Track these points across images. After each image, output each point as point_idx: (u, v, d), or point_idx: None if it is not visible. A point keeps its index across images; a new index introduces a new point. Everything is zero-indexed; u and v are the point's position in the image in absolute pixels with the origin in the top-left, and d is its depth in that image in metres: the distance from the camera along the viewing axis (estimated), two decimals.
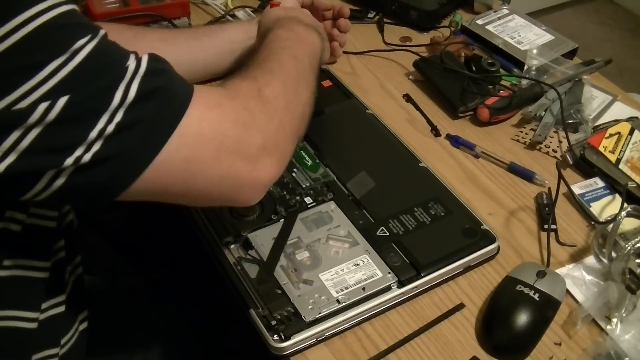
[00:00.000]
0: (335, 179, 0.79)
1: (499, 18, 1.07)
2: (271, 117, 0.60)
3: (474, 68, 0.96)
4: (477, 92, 0.92)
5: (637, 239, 0.67)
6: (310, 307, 0.65)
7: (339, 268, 0.69)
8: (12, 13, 0.45)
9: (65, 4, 0.48)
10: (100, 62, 0.49)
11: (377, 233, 0.72)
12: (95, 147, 0.48)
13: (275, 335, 0.63)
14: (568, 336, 0.67)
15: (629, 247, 0.67)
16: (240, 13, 1.07)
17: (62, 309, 0.65)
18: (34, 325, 0.62)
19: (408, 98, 0.95)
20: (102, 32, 0.50)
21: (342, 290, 0.67)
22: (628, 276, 0.67)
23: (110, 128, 0.48)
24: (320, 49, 0.75)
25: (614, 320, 0.66)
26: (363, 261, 0.70)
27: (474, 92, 0.92)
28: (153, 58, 0.53)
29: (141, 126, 0.50)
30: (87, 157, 0.48)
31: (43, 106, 0.46)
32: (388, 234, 0.72)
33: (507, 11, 1.09)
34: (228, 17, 1.06)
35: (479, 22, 1.06)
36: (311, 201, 0.76)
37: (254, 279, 0.68)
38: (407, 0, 1.07)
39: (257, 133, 0.58)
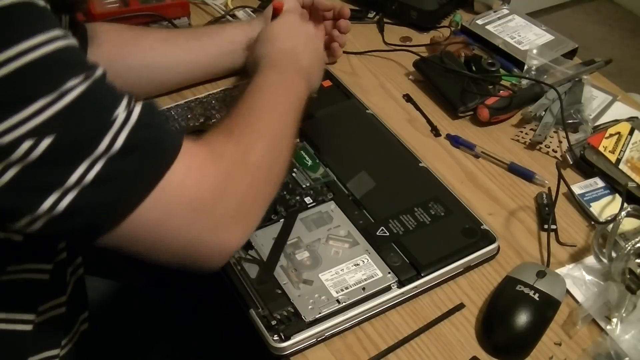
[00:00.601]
0: (335, 179, 0.79)
1: (499, 18, 1.07)
2: (250, 186, 0.59)
3: (474, 68, 0.96)
4: (477, 92, 0.92)
5: (637, 239, 0.67)
6: (310, 307, 0.65)
7: (339, 268, 0.69)
8: (8, 44, 0.44)
9: (63, 38, 0.47)
10: (90, 105, 0.47)
11: (377, 233, 0.72)
12: (71, 195, 0.47)
13: (275, 335, 0.63)
14: (568, 336, 0.67)
15: (629, 247, 0.67)
16: (240, 13, 1.07)
17: (62, 310, 0.65)
18: (29, 327, 0.61)
19: (408, 98, 0.95)
20: (98, 72, 0.49)
21: (342, 290, 0.67)
22: (628, 276, 0.67)
23: (90, 177, 0.47)
24: (306, 94, 0.73)
25: (614, 320, 0.66)
26: (363, 261, 0.70)
27: (474, 92, 0.92)
28: (147, 109, 0.51)
29: (120, 181, 0.49)
30: (62, 205, 0.47)
31: (27, 144, 0.45)
32: (388, 234, 0.72)
33: (507, 11, 1.09)
34: (228, 17, 1.06)
35: (479, 22, 1.06)
36: (311, 201, 0.76)
37: (254, 279, 0.68)
38: (407, 0, 1.07)
39: (232, 201, 0.56)
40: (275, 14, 0.84)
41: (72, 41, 0.48)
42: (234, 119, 0.63)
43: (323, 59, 0.82)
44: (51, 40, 0.46)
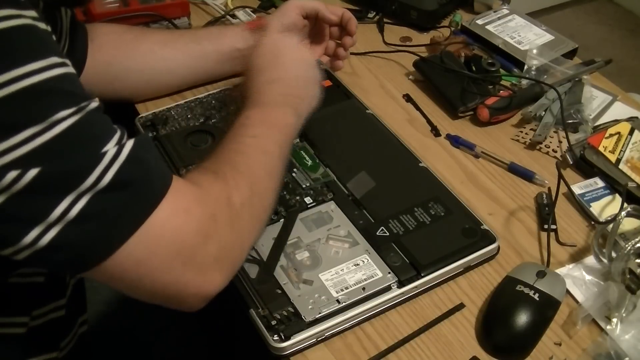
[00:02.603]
0: (335, 179, 0.79)
1: (499, 18, 1.07)
2: (232, 229, 0.58)
3: (474, 68, 0.96)
4: (477, 92, 0.92)
5: (637, 239, 0.67)
6: (310, 307, 0.65)
7: (339, 268, 0.69)
8: (4, 68, 0.43)
9: (60, 66, 0.46)
10: (80, 138, 0.47)
11: (377, 233, 0.72)
12: (53, 231, 0.46)
13: (275, 335, 0.63)
14: (568, 336, 0.67)
15: (629, 247, 0.67)
16: (240, 13, 1.07)
17: (62, 312, 0.65)
18: (22, 330, 0.61)
19: (408, 98, 0.95)
20: (92, 105, 0.48)
21: (342, 290, 0.67)
22: (628, 276, 0.67)
23: (74, 212, 0.46)
24: (295, 125, 0.71)
25: (614, 320, 0.66)
26: (363, 261, 0.70)
27: (474, 92, 0.92)
28: (139, 145, 0.51)
29: (103, 219, 0.48)
30: (46, 239, 0.46)
31: (13, 174, 0.44)
32: (388, 234, 0.72)
33: (507, 11, 1.09)
34: (228, 17, 1.06)
35: (479, 22, 1.06)
36: (311, 201, 0.76)
37: (254, 279, 0.68)
38: (407, 0, 1.07)
39: (215, 244, 0.56)
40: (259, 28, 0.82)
41: (69, 70, 0.47)
42: (220, 157, 0.63)
43: (315, 78, 0.77)
44: (47, 68, 0.45)
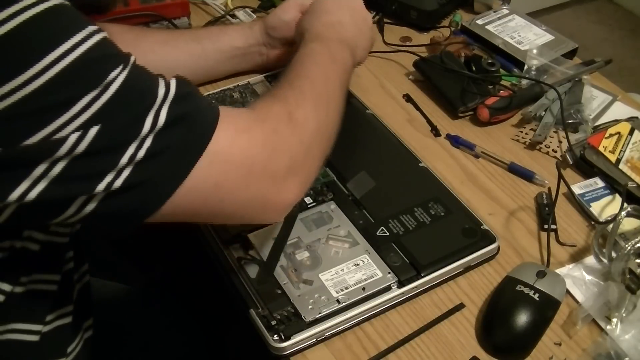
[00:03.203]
0: (335, 179, 0.79)
1: (499, 18, 1.07)
2: (300, 140, 0.60)
3: (474, 68, 0.96)
4: (477, 92, 0.92)
5: (637, 239, 0.67)
6: (310, 307, 0.65)
7: (339, 268, 0.69)
8: (50, 47, 0.45)
9: (98, 32, 0.48)
10: (132, 91, 0.49)
11: (377, 233, 0.72)
12: (126, 172, 0.48)
13: (275, 335, 0.63)
14: (568, 336, 0.67)
15: (629, 247, 0.67)
16: (240, 13, 1.07)
17: (69, 319, 0.65)
18: (36, 337, 0.62)
19: (408, 98, 0.95)
20: (132, 59, 0.50)
21: (342, 290, 0.67)
22: (628, 276, 0.67)
23: (141, 154, 0.49)
24: (351, 67, 0.75)
25: (614, 320, 0.66)
26: (363, 261, 0.70)
27: (474, 92, 0.92)
28: (181, 82, 0.53)
29: (170, 152, 0.50)
30: (118, 182, 0.48)
31: (74, 137, 0.46)
32: (388, 234, 0.72)
33: (507, 11, 1.09)
34: (228, 17, 1.06)
35: (479, 22, 1.06)
36: (311, 201, 0.76)
37: (254, 279, 0.68)
38: (407, 0, 1.07)
39: (285, 155, 0.58)
40: None
41: (104, 34, 0.49)
42: (278, 85, 0.66)
43: (371, 31, 0.82)
44: (88, 37, 0.47)
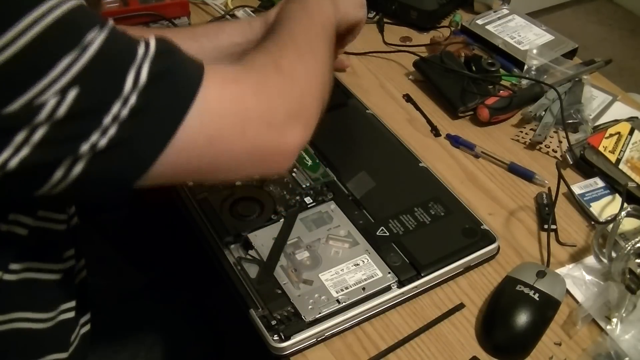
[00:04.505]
0: (335, 179, 0.79)
1: (499, 18, 1.07)
2: (291, 85, 0.59)
3: (474, 68, 0.96)
4: (477, 92, 0.92)
5: (637, 239, 0.67)
6: (310, 307, 0.65)
7: (339, 268, 0.69)
8: (20, 14, 0.44)
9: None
10: (111, 52, 0.48)
11: (377, 233, 0.72)
12: (111, 131, 0.47)
13: (275, 335, 0.63)
14: (568, 336, 0.67)
15: (629, 247, 0.67)
16: (240, 13, 1.07)
17: (72, 314, 0.65)
18: (45, 325, 0.61)
19: (408, 98, 0.95)
20: (110, 22, 0.50)
21: (342, 290, 0.67)
22: (628, 276, 0.67)
23: (124, 112, 0.48)
24: (333, 20, 0.72)
25: (614, 320, 0.66)
26: (363, 261, 0.70)
27: (474, 92, 0.92)
28: (161, 39, 0.52)
29: (155, 108, 0.49)
30: (103, 142, 0.47)
31: (54, 101, 0.45)
32: (388, 234, 0.72)
33: (507, 11, 1.09)
34: (228, 17, 1.06)
35: (479, 22, 1.06)
36: (311, 201, 0.76)
37: (254, 279, 0.68)
38: (407, 0, 1.07)
39: (279, 101, 0.57)
40: None
41: (81, 1, 0.49)
42: (261, 42, 0.65)
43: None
44: (62, 2, 0.46)
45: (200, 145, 0.52)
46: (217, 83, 0.53)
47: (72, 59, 0.46)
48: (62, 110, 0.46)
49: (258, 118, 0.55)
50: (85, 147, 0.47)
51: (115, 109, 0.47)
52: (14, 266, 0.58)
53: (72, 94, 0.46)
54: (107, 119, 0.47)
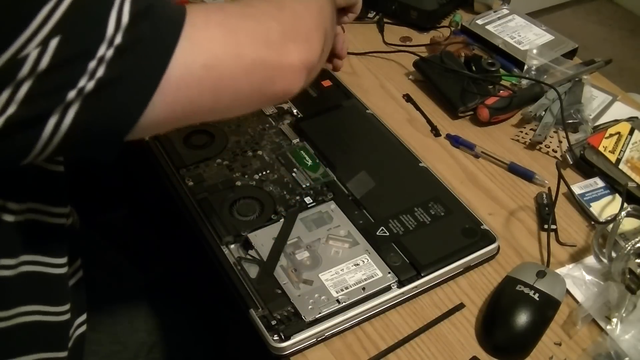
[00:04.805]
0: (335, 179, 0.79)
1: (499, 18, 1.07)
2: (280, 8, 0.57)
3: (474, 68, 0.96)
4: (477, 92, 0.92)
5: (637, 239, 0.67)
6: (310, 307, 0.65)
7: (339, 268, 0.69)
8: None
9: None
10: None
11: (377, 233, 0.72)
12: (99, 73, 0.46)
13: (275, 335, 0.63)
14: (568, 336, 0.67)
15: (629, 247, 0.67)
16: None
17: (67, 316, 0.65)
18: (59, 318, 0.62)
19: (408, 98, 0.95)
20: None
21: (342, 290, 0.67)
22: (628, 276, 0.67)
23: (110, 53, 0.46)
24: None
25: (614, 320, 0.66)
26: (363, 261, 0.70)
27: (474, 92, 0.92)
28: None
29: (143, 43, 0.48)
30: (91, 84, 0.46)
31: (35, 53, 0.44)
32: (388, 234, 0.72)
33: (507, 11, 1.09)
34: None
35: (479, 22, 1.06)
36: (311, 201, 0.76)
37: (254, 279, 0.68)
38: (407, 0, 1.07)
39: (272, 22, 0.55)
40: None
41: None
42: None
43: None
44: None
45: (197, 75, 0.50)
46: (201, 13, 0.52)
47: (50, 8, 0.44)
48: (45, 61, 0.44)
49: (251, 38, 0.53)
50: (72, 94, 0.46)
51: (100, 52, 0.46)
52: (10, 262, 0.58)
53: (53, 43, 0.44)
54: (93, 64, 0.46)
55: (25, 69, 0.44)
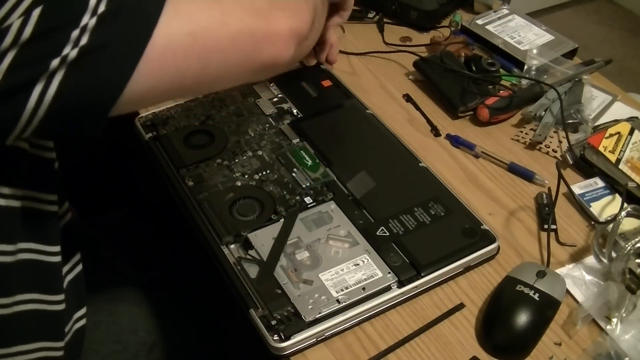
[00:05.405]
0: (335, 179, 0.79)
1: (499, 18, 1.07)
2: None
3: (474, 68, 0.96)
4: (477, 92, 0.92)
5: (637, 239, 0.67)
6: (310, 307, 0.65)
7: (339, 268, 0.69)
8: None
9: None
10: None
11: (377, 233, 0.72)
12: (82, 41, 0.45)
13: (275, 335, 0.63)
14: (568, 336, 0.67)
15: (629, 247, 0.67)
16: None
17: (62, 306, 0.65)
18: (56, 307, 0.62)
19: (408, 98, 0.95)
20: None
21: (342, 290, 0.67)
22: (628, 276, 0.67)
23: (93, 21, 0.45)
24: None
25: (614, 320, 0.66)
26: (363, 261, 0.70)
27: (474, 92, 0.92)
28: None
29: (126, 11, 0.47)
30: (75, 52, 0.45)
31: (18, 23, 0.44)
32: (388, 233, 0.72)
33: (507, 11, 1.09)
34: None
35: (479, 22, 1.06)
36: (311, 201, 0.76)
37: (254, 279, 0.68)
38: (407, 0, 1.07)
39: None
40: None
41: None
42: None
43: None
44: None
45: (183, 43, 0.50)
46: None
47: None
48: (28, 30, 0.44)
49: (238, 5, 0.53)
50: (56, 62, 0.45)
51: (83, 21, 0.45)
52: (9, 248, 0.58)
53: (36, 13, 0.44)
54: (76, 32, 0.45)
55: (8, 39, 0.44)
